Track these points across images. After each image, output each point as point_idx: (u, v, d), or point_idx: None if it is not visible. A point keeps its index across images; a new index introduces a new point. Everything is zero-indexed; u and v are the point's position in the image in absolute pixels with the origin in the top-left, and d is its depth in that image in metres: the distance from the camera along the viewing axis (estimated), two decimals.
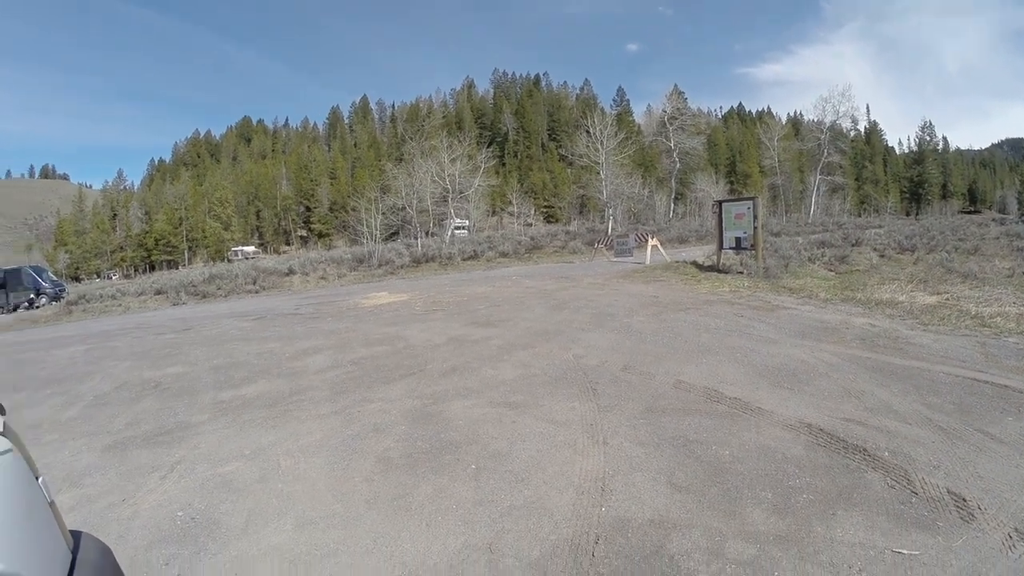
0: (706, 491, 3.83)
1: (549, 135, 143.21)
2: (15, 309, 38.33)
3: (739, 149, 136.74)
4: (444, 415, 5.85)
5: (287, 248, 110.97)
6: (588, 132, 58.80)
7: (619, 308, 11.55)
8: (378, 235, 48.61)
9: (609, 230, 45.00)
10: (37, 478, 1.63)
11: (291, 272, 31.92)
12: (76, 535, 1.76)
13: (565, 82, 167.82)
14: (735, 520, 3.45)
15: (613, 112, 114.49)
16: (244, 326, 14.49)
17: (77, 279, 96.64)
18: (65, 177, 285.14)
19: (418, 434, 5.39)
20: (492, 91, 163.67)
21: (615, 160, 57.86)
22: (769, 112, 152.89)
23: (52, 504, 1.66)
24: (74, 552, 1.67)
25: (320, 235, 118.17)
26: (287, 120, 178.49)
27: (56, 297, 38.13)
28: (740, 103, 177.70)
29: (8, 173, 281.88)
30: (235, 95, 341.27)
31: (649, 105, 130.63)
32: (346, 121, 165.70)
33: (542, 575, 3.12)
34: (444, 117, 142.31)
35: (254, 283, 29.51)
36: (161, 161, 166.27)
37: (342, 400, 6.80)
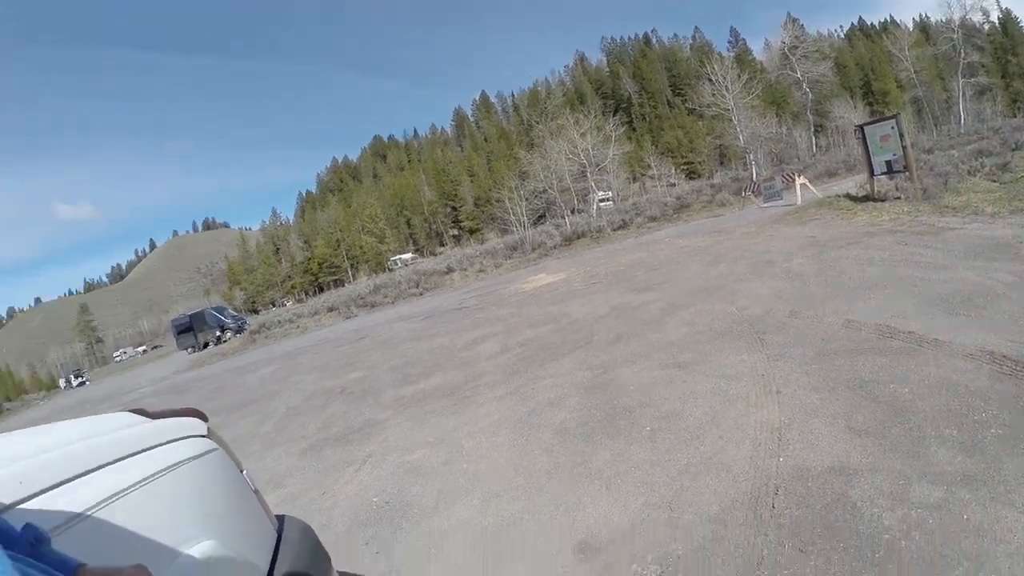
0: (886, 433, 3.60)
1: (672, 91, 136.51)
2: (205, 346, 42.33)
3: (870, 67, 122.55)
4: (615, 382, 5.87)
5: (442, 248, 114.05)
6: (710, 80, 56.98)
7: (777, 253, 11.08)
8: (526, 220, 49.10)
9: (754, 176, 43.09)
10: (242, 471, 1.87)
11: (450, 270, 32.89)
12: (280, 518, 2.01)
13: (676, 35, 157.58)
14: (919, 461, 3.21)
15: (731, 55, 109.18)
16: (413, 327, 15.15)
17: (255, 311, 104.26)
18: (226, 225, 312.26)
19: (591, 403, 5.46)
20: (605, 59, 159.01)
21: (744, 103, 55.76)
22: (893, 21, 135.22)
23: (256, 492, 1.91)
24: (279, 531, 1.90)
25: (471, 231, 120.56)
26: (415, 131, 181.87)
27: (239, 330, 41.44)
28: (860, 18, 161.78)
29: (174, 232, 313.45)
30: (364, 118, 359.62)
31: (766, 40, 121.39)
32: (471, 119, 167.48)
33: (722, 528, 3.08)
34: (564, 95, 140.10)
35: (417, 286, 30.68)
36: (309, 192, 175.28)
37: (515, 381, 7.00)
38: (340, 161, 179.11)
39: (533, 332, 9.75)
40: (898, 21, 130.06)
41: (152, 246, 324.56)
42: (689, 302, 8.72)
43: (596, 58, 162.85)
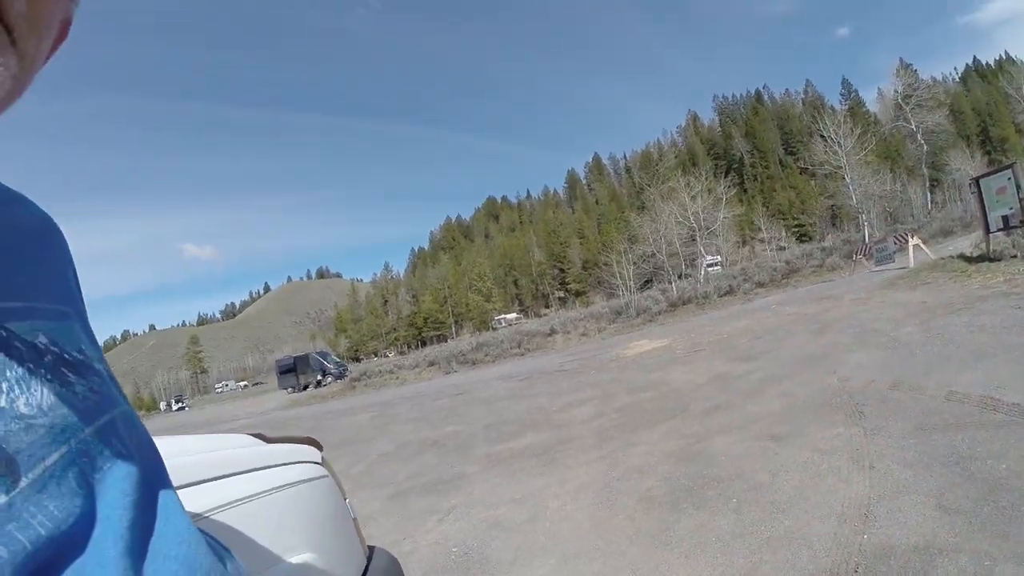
0: (977, 511, 3.46)
1: (784, 149, 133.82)
2: (305, 388, 44.27)
3: (987, 112, 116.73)
4: (707, 453, 5.84)
5: (546, 310, 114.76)
6: (822, 136, 55.90)
7: (884, 321, 10.80)
8: (632, 285, 49.01)
9: (866, 238, 41.60)
10: (345, 499, 2.08)
11: (553, 332, 33.02)
12: (371, 548, 2.20)
13: (787, 89, 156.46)
14: (1008, 542, 3.07)
15: (843, 107, 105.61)
16: (512, 386, 15.32)
17: (357, 359, 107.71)
18: (338, 275, 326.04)
19: (680, 472, 5.43)
20: (717, 118, 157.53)
21: (858, 160, 54.06)
22: (1009, 58, 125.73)
23: (355, 520, 2.10)
24: (368, 559, 2.09)
25: (576, 293, 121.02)
26: (528, 192, 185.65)
27: (340, 376, 43.07)
28: (974, 57, 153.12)
29: (288, 278, 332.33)
30: (478, 179, 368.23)
31: (879, 88, 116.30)
32: (583, 181, 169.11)
33: None
34: (676, 156, 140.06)
35: (519, 346, 30.95)
36: (421, 249, 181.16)
37: (607, 446, 7.02)
38: (453, 220, 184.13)
39: (630, 398, 9.76)
40: (1013, 58, 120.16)
41: (266, 288, 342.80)
42: (791, 373, 8.59)
43: (708, 117, 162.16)
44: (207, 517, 1.41)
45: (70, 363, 0.58)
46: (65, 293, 0.67)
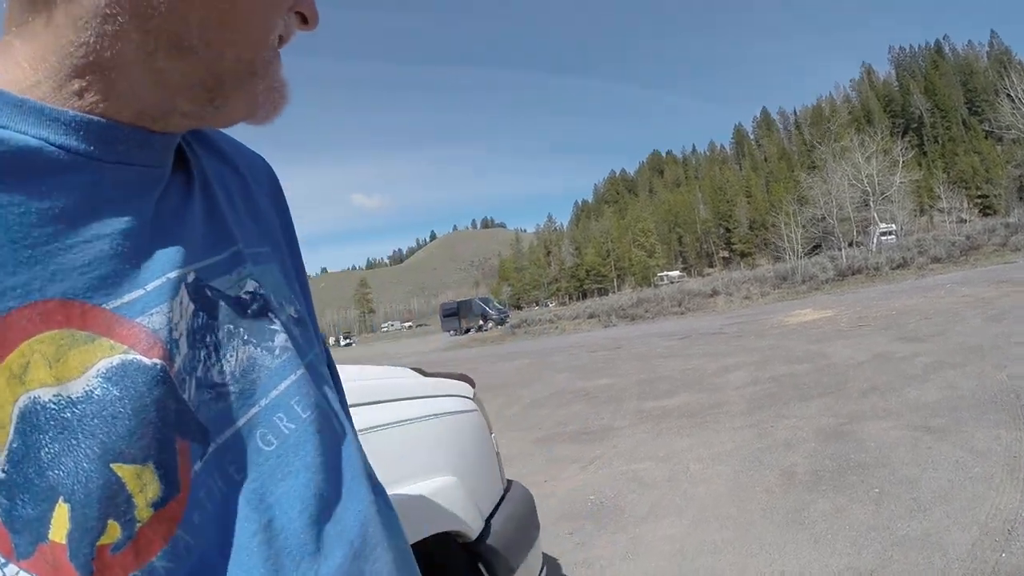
0: None
1: (969, 109, 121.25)
2: (467, 331, 46.88)
3: None
4: (857, 435, 5.72)
5: (710, 270, 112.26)
6: (1009, 96, 49.59)
7: None
8: (800, 249, 47.07)
9: None
10: (491, 433, 2.38)
11: (715, 293, 32.43)
12: (509, 481, 2.54)
13: (970, 41, 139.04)
14: None
15: None
16: (670, 344, 15.47)
17: (518, 307, 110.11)
18: (502, 225, 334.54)
19: (827, 452, 5.39)
20: (893, 72, 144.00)
21: None
22: None
23: (497, 453, 2.43)
24: (505, 490, 2.41)
25: (742, 255, 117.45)
26: (694, 147, 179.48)
27: (501, 322, 44.91)
28: None
29: (454, 227, 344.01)
30: (643, 133, 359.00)
31: None
32: (751, 137, 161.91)
33: None
34: (850, 113, 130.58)
35: (679, 305, 30.73)
36: (584, 202, 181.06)
37: (757, 415, 7.04)
38: (617, 173, 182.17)
39: (787, 368, 9.63)
40: None
41: (432, 236, 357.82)
42: (958, 361, 8.07)
43: (884, 70, 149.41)
44: (370, 432, 1.68)
45: (272, 310, 0.61)
46: (267, 232, 0.71)
